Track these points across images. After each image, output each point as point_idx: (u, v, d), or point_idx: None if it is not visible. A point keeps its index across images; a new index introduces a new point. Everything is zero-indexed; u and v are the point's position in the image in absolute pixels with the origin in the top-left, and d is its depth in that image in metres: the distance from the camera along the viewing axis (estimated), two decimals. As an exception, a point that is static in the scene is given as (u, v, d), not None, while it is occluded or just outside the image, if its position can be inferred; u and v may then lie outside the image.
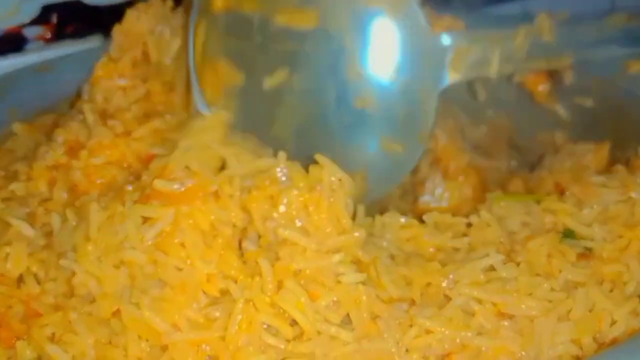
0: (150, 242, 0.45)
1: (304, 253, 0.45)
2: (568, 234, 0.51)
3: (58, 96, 0.74)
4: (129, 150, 0.55)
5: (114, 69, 0.65)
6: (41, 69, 0.80)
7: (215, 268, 0.44)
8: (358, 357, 0.42)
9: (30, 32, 0.96)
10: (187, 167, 0.48)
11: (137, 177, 0.52)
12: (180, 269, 0.45)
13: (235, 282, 0.44)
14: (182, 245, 0.45)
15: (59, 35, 0.98)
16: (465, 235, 0.51)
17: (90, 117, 0.57)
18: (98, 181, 0.53)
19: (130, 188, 0.50)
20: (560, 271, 0.47)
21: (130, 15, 0.69)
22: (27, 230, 0.51)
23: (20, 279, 0.49)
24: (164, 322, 0.42)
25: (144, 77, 0.65)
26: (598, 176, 0.56)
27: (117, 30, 0.69)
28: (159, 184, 0.46)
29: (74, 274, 0.46)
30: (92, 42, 0.93)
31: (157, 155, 0.51)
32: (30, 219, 0.52)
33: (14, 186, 0.55)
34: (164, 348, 0.43)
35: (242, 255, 0.46)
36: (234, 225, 0.47)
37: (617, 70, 0.69)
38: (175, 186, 0.46)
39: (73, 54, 0.85)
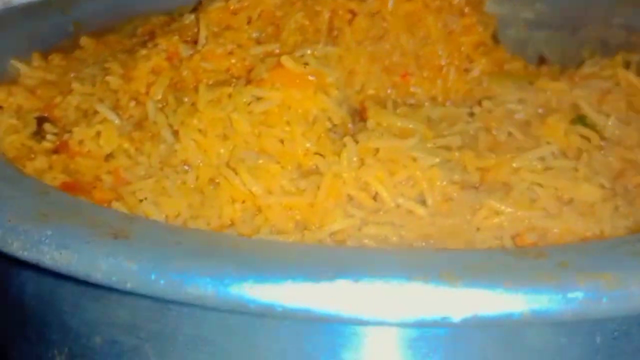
0: (257, 117, 0.49)
1: (381, 135, 0.49)
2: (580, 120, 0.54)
3: (121, 15, 0.76)
4: (241, 63, 0.56)
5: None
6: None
7: (314, 145, 0.49)
8: (432, 230, 0.45)
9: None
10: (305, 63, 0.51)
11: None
12: (281, 141, 0.49)
13: (324, 157, 0.48)
14: (288, 122, 0.49)
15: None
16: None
17: (204, 32, 0.58)
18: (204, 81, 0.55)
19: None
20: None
21: None
22: (113, 117, 0.53)
23: (110, 155, 0.52)
24: (259, 186, 0.46)
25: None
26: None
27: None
28: (286, 60, 0.50)
29: (172, 147, 0.50)
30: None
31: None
32: (118, 109, 0.55)
33: (110, 79, 0.56)
34: (258, 210, 0.46)
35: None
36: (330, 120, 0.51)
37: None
38: (300, 67, 0.50)
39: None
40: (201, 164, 0.49)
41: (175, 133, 0.51)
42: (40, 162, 0.51)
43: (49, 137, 0.55)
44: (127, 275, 0.33)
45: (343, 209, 0.45)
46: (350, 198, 0.46)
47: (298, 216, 0.46)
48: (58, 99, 0.58)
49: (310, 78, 0.50)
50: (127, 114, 0.54)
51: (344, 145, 0.48)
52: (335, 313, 0.33)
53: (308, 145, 0.48)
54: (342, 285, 0.32)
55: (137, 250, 0.34)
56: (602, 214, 0.47)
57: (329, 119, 0.50)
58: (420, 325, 0.36)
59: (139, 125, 0.53)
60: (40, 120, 0.57)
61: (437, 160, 0.48)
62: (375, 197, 0.47)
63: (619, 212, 0.48)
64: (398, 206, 0.46)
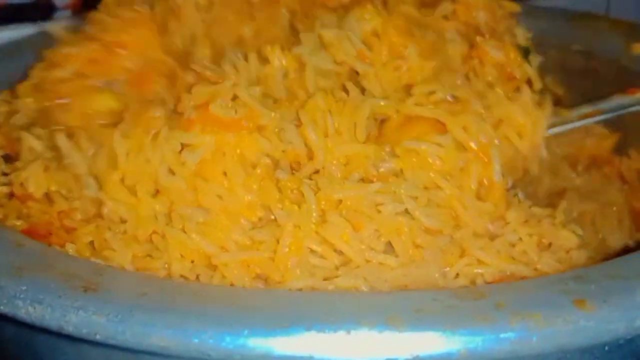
0: (190, 169, 0.46)
1: (343, 183, 0.47)
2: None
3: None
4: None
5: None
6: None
7: (256, 196, 0.46)
8: (405, 281, 0.45)
9: (60, 1, 0.99)
10: (236, 96, 0.48)
11: (162, 103, 0.52)
12: (220, 197, 0.46)
13: (281, 208, 0.46)
14: (224, 173, 0.46)
15: (87, 4, 1.01)
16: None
17: None
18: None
19: (158, 115, 0.49)
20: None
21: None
22: (39, 152, 0.51)
23: (50, 198, 0.50)
24: (212, 245, 0.45)
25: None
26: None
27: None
28: (215, 108, 0.46)
29: (98, 197, 0.48)
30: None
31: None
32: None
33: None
34: (213, 268, 0.45)
35: (277, 184, 0.47)
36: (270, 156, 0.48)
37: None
38: (231, 113, 0.46)
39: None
40: (138, 219, 0.47)
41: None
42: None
43: (2, 179, 0.54)
44: (96, 328, 0.36)
45: (306, 265, 0.45)
46: (312, 252, 0.45)
47: (258, 269, 0.45)
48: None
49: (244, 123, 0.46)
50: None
51: (299, 190, 0.46)
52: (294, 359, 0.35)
53: (249, 197, 0.46)
54: (297, 334, 0.35)
55: (104, 303, 0.37)
56: (578, 260, 0.50)
57: (272, 160, 0.48)
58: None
59: (62, 163, 0.50)
60: (5, 159, 0.56)
61: (403, 207, 0.47)
62: (340, 252, 0.46)
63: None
64: (367, 261, 0.46)
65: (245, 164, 0.47)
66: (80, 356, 0.45)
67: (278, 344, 0.35)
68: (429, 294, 0.40)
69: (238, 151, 0.47)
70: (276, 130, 0.48)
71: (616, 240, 0.62)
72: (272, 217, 0.46)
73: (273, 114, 0.48)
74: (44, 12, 0.99)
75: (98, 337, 0.36)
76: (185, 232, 0.45)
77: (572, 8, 0.91)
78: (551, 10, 0.90)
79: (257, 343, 0.35)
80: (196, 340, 0.35)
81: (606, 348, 0.43)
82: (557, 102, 0.81)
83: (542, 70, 0.84)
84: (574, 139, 0.71)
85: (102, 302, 0.37)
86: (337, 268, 0.45)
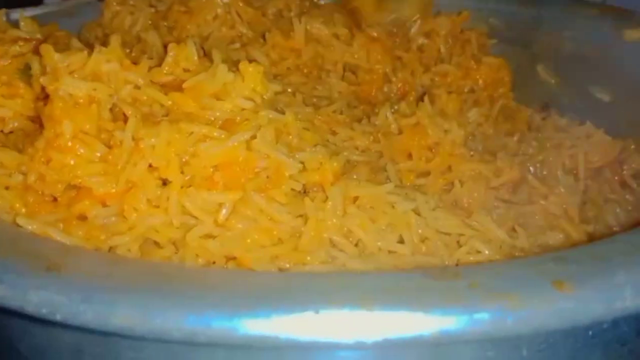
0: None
1: (359, 182, 0.52)
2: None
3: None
4: None
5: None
6: (63, 14, 0.84)
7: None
8: (412, 266, 0.48)
9: (49, -14, 0.99)
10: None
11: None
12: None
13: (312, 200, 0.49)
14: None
15: (77, -11, 1.00)
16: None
17: None
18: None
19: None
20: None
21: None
22: None
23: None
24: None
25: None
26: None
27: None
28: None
29: None
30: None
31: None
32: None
33: None
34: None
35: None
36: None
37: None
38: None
39: (94, 2, 0.88)
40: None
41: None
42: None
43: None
44: (57, 308, 0.35)
45: (326, 251, 0.47)
46: (332, 243, 0.48)
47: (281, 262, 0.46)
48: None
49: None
50: None
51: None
52: (260, 339, 0.34)
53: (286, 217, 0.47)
54: (262, 314, 0.34)
55: (67, 283, 0.36)
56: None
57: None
58: (336, 348, 0.38)
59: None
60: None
61: (413, 205, 0.51)
62: (357, 243, 0.49)
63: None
64: (379, 249, 0.48)
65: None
66: (50, 340, 0.44)
67: (243, 324, 0.34)
68: (403, 274, 0.39)
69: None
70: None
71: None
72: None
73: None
74: (34, -3, 0.98)
75: (58, 317, 0.35)
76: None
77: (528, 20, 0.91)
78: (542, -1, 0.89)
79: (222, 323, 0.34)
80: (159, 320, 0.34)
81: (590, 333, 0.43)
82: (550, 93, 0.81)
83: (535, 58, 0.84)
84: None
85: (64, 282, 0.36)
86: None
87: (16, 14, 0.81)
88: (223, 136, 0.49)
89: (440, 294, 0.35)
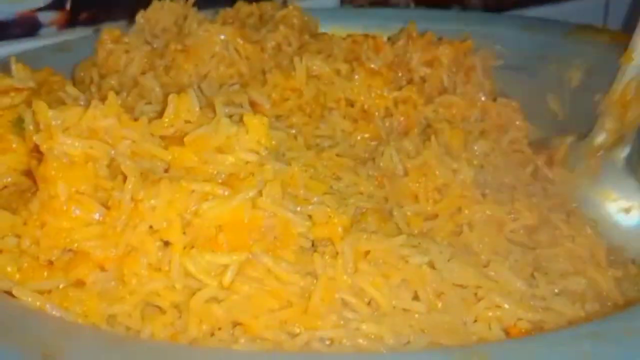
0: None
1: (370, 236, 0.49)
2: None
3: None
4: None
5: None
6: (59, 49, 0.82)
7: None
8: (429, 327, 0.46)
9: (44, 17, 0.97)
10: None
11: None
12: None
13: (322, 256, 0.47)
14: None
15: (72, 21, 0.99)
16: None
17: None
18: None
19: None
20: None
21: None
22: None
23: None
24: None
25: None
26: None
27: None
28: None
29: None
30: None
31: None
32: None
33: None
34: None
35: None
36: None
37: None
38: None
39: (90, 36, 0.87)
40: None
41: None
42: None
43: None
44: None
45: (337, 312, 0.45)
46: (344, 303, 0.46)
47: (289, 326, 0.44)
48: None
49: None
50: None
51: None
52: None
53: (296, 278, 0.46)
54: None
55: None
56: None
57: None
58: None
59: None
60: None
61: (427, 259, 0.49)
62: (369, 302, 0.47)
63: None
64: (394, 308, 0.46)
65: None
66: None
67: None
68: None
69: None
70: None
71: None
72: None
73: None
74: (29, 28, 0.96)
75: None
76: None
77: (569, 18, 0.89)
78: (549, 23, 0.87)
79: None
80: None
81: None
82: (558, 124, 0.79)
83: (542, 88, 0.82)
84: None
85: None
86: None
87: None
88: (227, 194, 0.47)
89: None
